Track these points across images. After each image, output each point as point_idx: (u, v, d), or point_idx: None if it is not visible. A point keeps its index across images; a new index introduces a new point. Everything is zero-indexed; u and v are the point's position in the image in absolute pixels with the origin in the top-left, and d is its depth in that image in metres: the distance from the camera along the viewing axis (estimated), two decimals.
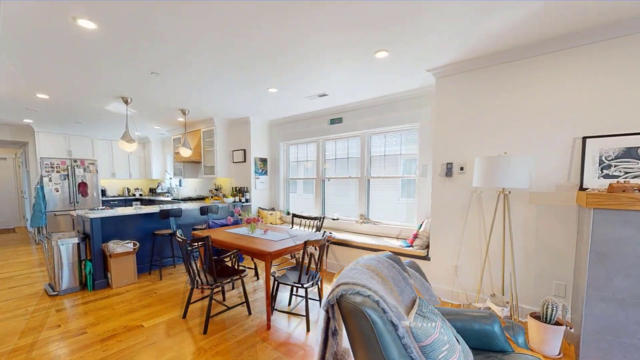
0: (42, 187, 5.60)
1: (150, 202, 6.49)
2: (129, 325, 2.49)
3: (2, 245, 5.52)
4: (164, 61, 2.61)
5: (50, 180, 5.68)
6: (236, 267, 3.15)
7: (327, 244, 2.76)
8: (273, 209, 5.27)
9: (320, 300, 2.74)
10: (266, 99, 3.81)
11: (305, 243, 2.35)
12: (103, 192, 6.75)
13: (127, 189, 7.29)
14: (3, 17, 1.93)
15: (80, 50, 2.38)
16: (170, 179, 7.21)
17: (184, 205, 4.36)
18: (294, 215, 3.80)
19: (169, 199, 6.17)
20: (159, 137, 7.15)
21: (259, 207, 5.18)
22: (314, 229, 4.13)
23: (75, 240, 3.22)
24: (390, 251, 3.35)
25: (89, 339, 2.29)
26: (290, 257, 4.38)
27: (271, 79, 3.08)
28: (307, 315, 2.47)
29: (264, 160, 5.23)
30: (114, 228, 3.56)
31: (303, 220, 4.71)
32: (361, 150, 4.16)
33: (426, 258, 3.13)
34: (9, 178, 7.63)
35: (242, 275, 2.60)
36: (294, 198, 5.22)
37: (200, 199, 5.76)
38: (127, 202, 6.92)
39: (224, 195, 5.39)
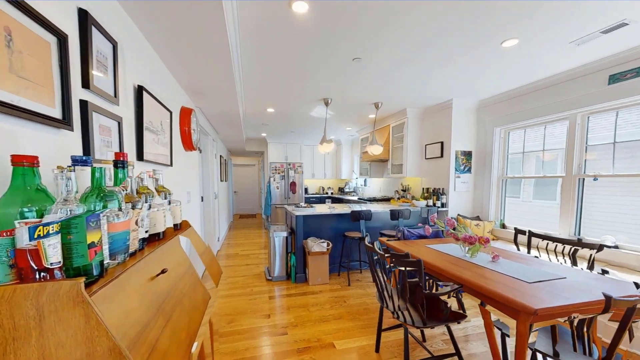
0: (269, 185, 7.20)
1: (339, 201, 6.86)
2: (321, 340, 2.22)
3: (248, 227, 7.61)
4: (366, 40, 2.18)
5: (274, 180, 7.21)
6: (446, 300, 2.27)
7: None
8: (478, 219, 3.94)
9: None
10: (492, 62, 2.67)
11: (610, 302, 1.11)
12: (305, 190, 7.90)
13: (322, 187, 8.20)
14: (242, 42, 2.12)
15: (294, 48, 2.36)
16: (356, 178, 7.38)
17: (373, 207, 4.00)
18: (533, 235, 2.41)
19: (355, 198, 6.20)
20: (349, 139, 7.51)
21: (459, 215, 4.02)
22: (567, 259, 2.50)
23: (285, 234, 3.52)
24: None
25: (288, 343, 2.19)
26: None
27: (511, 25, 1.97)
28: None
29: (467, 154, 4.01)
30: (312, 225, 3.67)
31: (536, 242, 3.08)
32: None
33: None
34: (254, 179, 10.68)
35: (461, 320, 1.70)
36: (514, 205, 3.64)
37: (385, 200, 5.33)
38: (321, 200, 7.74)
39: (413, 197, 4.64)
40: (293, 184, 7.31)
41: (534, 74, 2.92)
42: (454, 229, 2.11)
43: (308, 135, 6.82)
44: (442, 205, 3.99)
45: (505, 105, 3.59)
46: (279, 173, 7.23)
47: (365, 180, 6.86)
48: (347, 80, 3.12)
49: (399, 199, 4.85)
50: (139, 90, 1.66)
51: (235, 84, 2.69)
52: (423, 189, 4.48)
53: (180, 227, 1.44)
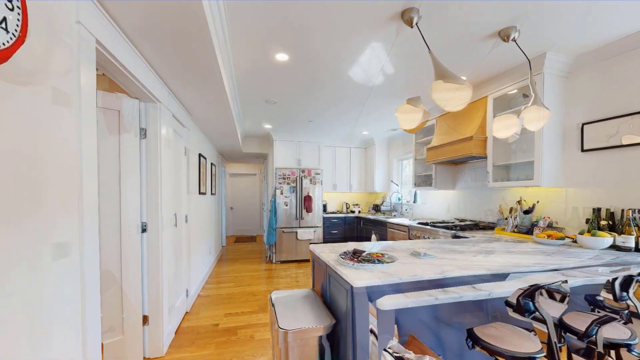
0: (274, 201, 5.04)
1: (376, 224, 4.65)
2: None
3: (244, 257, 5.37)
4: None
5: (281, 192, 5.06)
6: None
7: None
8: None
9: None
10: None
11: None
12: (324, 208, 5.72)
13: (346, 204, 6.01)
14: None
15: None
16: (396, 192, 5.20)
17: (520, 256, 1.76)
18: None
19: (405, 221, 3.98)
20: (384, 136, 5.39)
21: None
22: None
23: (318, 336, 1.31)
24: None
25: None
26: None
27: None
28: None
29: None
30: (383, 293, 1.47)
31: None
32: None
33: None
34: (254, 192, 8.54)
35: None
36: None
37: (472, 227, 3.09)
38: (345, 222, 5.54)
39: (551, 226, 2.42)
40: (308, 199, 5.15)
41: None
42: None
43: (332, 126, 4.73)
44: None
45: None
46: (288, 183, 5.09)
47: (415, 195, 4.66)
48: None
49: (516, 228, 2.62)
50: None
51: None
52: (593, 211, 2.28)
53: None
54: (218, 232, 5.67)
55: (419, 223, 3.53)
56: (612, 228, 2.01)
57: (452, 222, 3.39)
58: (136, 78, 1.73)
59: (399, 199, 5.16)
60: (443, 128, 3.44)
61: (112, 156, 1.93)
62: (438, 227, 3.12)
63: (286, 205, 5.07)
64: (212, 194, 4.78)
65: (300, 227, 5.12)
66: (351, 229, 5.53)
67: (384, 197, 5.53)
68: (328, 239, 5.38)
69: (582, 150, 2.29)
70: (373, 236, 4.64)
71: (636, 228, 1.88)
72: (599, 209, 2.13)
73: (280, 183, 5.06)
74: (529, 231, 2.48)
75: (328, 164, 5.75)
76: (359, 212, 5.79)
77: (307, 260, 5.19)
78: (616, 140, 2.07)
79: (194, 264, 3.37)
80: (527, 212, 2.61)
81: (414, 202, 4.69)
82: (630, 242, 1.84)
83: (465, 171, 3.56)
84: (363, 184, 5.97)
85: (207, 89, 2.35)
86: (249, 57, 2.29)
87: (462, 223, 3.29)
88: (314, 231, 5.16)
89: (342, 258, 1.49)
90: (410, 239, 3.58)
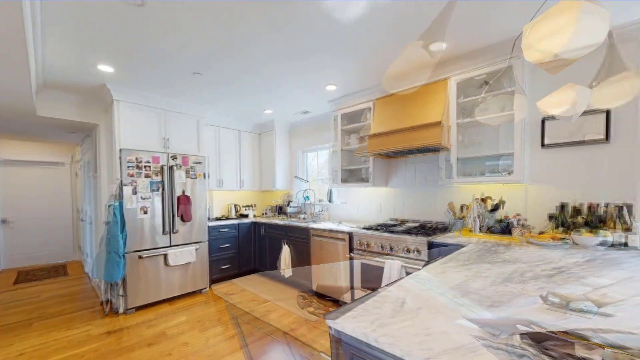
0: (120, 206, 2.91)
1: (288, 232, 3.63)
2: None
3: (40, 317, 2.80)
4: None
5: (134, 192, 2.99)
6: None
7: None
8: None
9: None
10: None
11: None
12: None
13: (235, 206, 4.51)
14: None
15: None
16: (305, 189, 4.33)
17: None
18: None
19: (350, 227, 3.21)
20: (286, 122, 4.38)
21: None
22: None
23: None
24: None
25: None
26: None
27: None
28: None
29: None
30: None
31: None
32: None
33: None
34: (63, 191, 5.24)
35: None
36: None
37: (420, 230, 2.67)
38: (240, 230, 4.08)
39: (523, 225, 2.28)
40: (184, 201, 3.34)
41: None
42: None
43: (229, 90, 3.27)
44: None
45: None
46: (148, 176, 3.10)
47: (330, 193, 3.96)
48: None
49: (489, 230, 2.36)
50: None
51: None
52: (563, 208, 2.24)
53: None
54: None
55: (365, 228, 2.80)
56: (587, 224, 2.00)
57: (395, 224, 2.90)
58: None
59: (307, 198, 4.31)
60: (388, 112, 2.88)
61: None
62: (398, 232, 2.50)
63: (145, 213, 3.06)
64: None
65: (172, 247, 3.24)
66: (247, 240, 4.14)
67: (288, 197, 4.52)
68: (216, 257, 3.75)
69: (543, 146, 2.27)
70: (285, 248, 3.55)
71: (612, 223, 1.91)
72: (562, 206, 2.13)
73: (132, 176, 2.99)
74: (504, 231, 2.26)
75: (210, 150, 4.07)
76: (254, 215, 4.48)
77: (185, 296, 3.36)
78: (573, 137, 2.11)
79: None
80: (492, 210, 2.42)
81: (330, 201, 3.97)
82: (618, 238, 1.83)
83: (400, 166, 3.16)
84: (257, 180, 4.68)
85: None
86: None
87: (411, 225, 2.84)
88: (196, 249, 3.42)
89: None
90: (352, 250, 2.80)
